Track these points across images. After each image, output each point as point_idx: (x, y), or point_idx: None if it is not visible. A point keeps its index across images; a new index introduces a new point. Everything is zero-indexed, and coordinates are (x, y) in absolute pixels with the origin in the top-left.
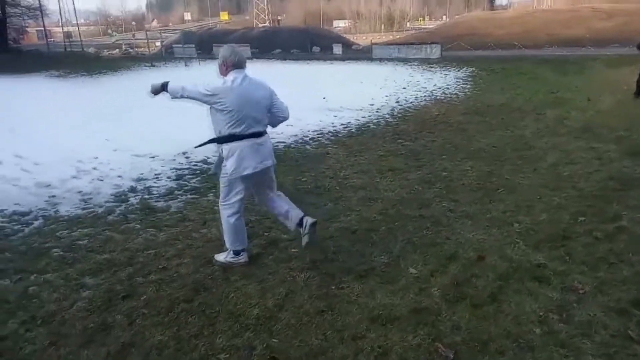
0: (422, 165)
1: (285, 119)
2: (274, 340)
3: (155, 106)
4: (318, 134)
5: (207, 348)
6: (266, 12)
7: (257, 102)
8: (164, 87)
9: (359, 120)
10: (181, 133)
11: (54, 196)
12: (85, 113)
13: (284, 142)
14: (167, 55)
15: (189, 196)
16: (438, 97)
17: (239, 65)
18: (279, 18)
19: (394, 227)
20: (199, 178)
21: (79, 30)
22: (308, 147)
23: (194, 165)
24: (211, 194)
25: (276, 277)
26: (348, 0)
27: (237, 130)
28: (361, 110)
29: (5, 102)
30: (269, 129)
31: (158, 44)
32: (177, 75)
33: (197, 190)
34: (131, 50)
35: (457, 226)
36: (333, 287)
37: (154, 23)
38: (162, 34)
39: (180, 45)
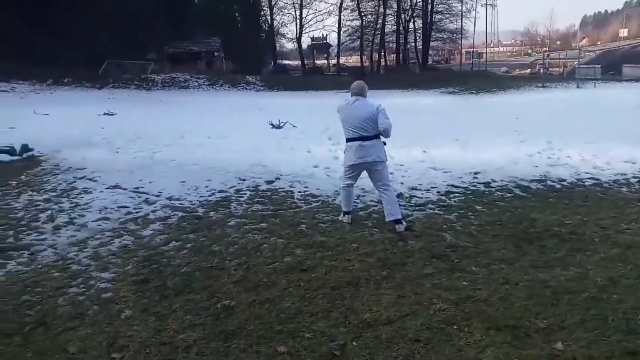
0: None
1: (382, 129)
2: (354, 343)
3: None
4: None
5: (307, 325)
6: None
7: (359, 116)
8: None
9: None
10: (494, 157)
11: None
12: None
13: (597, 180)
14: (567, 75)
15: (435, 211)
16: None
17: (356, 93)
18: None
19: (603, 299)
20: (462, 197)
21: (486, 51)
22: (624, 189)
23: (473, 185)
24: (455, 214)
25: (419, 298)
26: None
27: (347, 134)
28: None
29: None
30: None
31: (576, 63)
32: (558, 96)
33: (447, 207)
34: (544, 70)
35: None
36: (455, 327)
37: (583, 42)
38: (585, 54)
39: (586, 66)
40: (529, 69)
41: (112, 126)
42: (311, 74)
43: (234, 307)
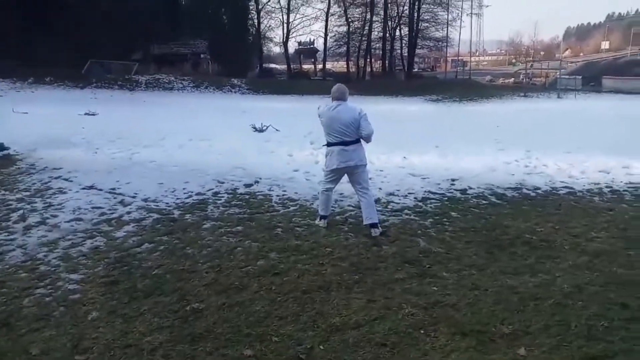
0: None
1: (364, 135)
2: (321, 347)
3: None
4: (633, 188)
5: (275, 329)
6: None
7: (342, 121)
8: None
9: None
10: (472, 164)
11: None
12: (418, 132)
13: (572, 189)
14: (549, 86)
15: (411, 217)
16: None
17: (337, 97)
18: None
19: (568, 305)
20: (439, 204)
21: (470, 60)
22: (596, 198)
23: (450, 192)
24: (430, 220)
25: (389, 303)
26: None
27: (329, 139)
28: None
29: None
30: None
31: (557, 74)
32: (539, 106)
33: (423, 213)
34: (527, 79)
35: None
36: (422, 331)
37: (566, 53)
38: (568, 64)
39: (567, 77)
40: (513, 79)
41: (92, 126)
42: (297, 78)
43: (202, 310)
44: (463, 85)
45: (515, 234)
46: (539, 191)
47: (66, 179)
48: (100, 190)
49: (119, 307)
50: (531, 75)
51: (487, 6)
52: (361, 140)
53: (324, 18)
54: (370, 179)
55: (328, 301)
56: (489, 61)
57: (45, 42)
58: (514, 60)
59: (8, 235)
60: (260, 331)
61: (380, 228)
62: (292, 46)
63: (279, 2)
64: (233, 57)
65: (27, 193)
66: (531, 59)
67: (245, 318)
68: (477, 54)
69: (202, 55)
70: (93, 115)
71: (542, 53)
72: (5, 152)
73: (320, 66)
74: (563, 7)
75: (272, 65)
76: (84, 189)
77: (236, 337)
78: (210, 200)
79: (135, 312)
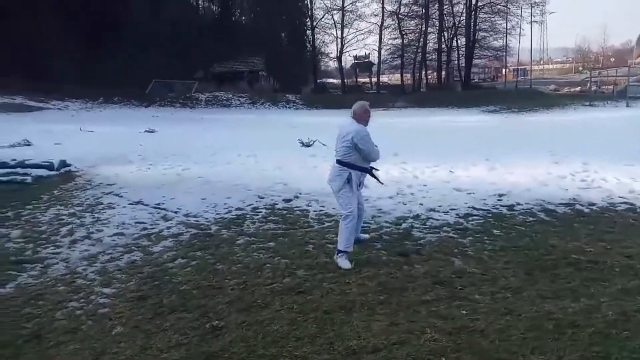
0: None
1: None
2: None
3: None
4: None
5: (290, 350)
6: None
7: (338, 138)
8: None
9: None
10: (523, 178)
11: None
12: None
13: (632, 205)
14: (617, 94)
15: (450, 234)
16: None
17: (352, 115)
18: None
19: (610, 335)
20: (481, 220)
21: (530, 69)
22: None
23: (495, 208)
24: (469, 238)
25: (412, 327)
26: None
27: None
28: None
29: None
30: None
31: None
32: (604, 116)
33: (463, 231)
34: (597, 87)
35: None
36: (443, 359)
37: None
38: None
39: (638, 84)
40: (579, 87)
41: (149, 143)
42: (351, 92)
43: (222, 327)
44: (523, 95)
45: (560, 254)
46: (593, 207)
47: (117, 195)
48: (147, 205)
49: (143, 322)
50: (600, 83)
51: (552, 13)
52: (347, 165)
53: (378, 32)
54: (411, 194)
55: (348, 322)
56: (555, 69)
57: (114, 64)
58: (580, 68)
59: (55, 249)
60: (274, 352)
61: (342, 259)
62: (349, 61)
63: (332, 17)
64: (289, 74)
65: (80, 208)
66: (600, 65)
67: (262, 338)
68: (542, 62)
69: (259, 73)
70: (152, 132)
71: (612, 59)
72: (67, 168)
73: (375, 79)
74: (637, 10)
75: (329, 80)
76: (131, 204)
77: (250, 357)
78: (248, 216)
79: (158, 328)
